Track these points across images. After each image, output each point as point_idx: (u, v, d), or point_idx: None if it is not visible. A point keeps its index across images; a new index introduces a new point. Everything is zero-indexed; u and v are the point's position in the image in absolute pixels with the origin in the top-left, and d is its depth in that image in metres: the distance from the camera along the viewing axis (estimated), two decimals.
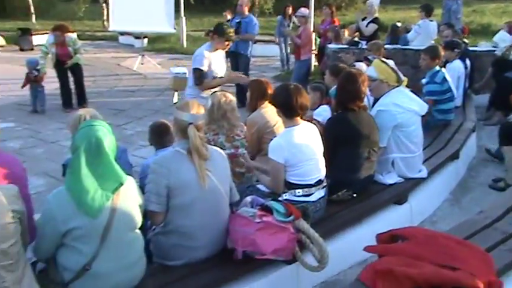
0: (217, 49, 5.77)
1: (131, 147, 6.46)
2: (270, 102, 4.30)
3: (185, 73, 10.79)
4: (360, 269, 3.06)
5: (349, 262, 3.67)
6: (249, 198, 3.26)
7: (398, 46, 9.16)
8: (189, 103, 3.02)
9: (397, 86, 4.29)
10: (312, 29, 10.17)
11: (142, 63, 13.31)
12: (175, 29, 14.69)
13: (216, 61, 5.73)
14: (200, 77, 5.59)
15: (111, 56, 15.13)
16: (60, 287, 2.54)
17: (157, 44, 16.99)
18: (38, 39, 16.06)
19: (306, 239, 3.06)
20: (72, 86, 8.94)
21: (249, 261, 2.96)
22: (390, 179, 4.27)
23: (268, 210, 3.09)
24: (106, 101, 9.31)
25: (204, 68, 5.58)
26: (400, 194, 4.23)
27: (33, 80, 8.60)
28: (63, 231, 2.49)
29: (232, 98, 4.22)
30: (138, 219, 2.70)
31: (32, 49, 15.83)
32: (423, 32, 8.80)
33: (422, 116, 4.42)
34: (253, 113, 4.43)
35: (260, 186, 3.71)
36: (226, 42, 5.76)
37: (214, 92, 4.64)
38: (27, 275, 2.45)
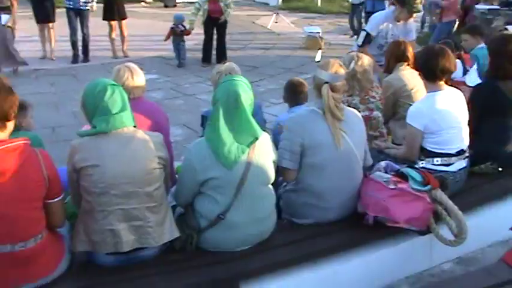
0: (399, 20, 5.30)
1: (263, 104, 6.53)
2: (408, 65, 4.10)
3: (318, 32, 10.64)
4: (502, 248, 2.84)
5: (489, 240, 3.42)
6: (383, 163, 3.14)
7: None
8: (330, 62, 2.94)
9: None
10: None
11: (276, 22, 13.33)
12: None
13: (391, 31, 5.30)
14: (364, 40, 5.38)
15: (247, 14, 15.34)
16: (196, 233, 2.67)
17: (292, 2, 16.86)
18: None
19: (443, 210, 2.89)
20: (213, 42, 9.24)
21: (380, 227, 2.87)
22: None
23: (403, 177, 2.95)
24: (240, 58, 9.49)
25: (373, 32, 5.31)
26: None
27: (179, 34, 9.03)
28: (201, 180, 2.59)
29: (366, 60, 4.02)
30: (271, 175, 2.73)
31: (175, 5, 16.51)
32: None
33: None
34: (390, 75, 4.23)
35: None
36: (409, 15, 5.23)
37: (350, 52, 4.49)
38: (168, 217, 2.62)
